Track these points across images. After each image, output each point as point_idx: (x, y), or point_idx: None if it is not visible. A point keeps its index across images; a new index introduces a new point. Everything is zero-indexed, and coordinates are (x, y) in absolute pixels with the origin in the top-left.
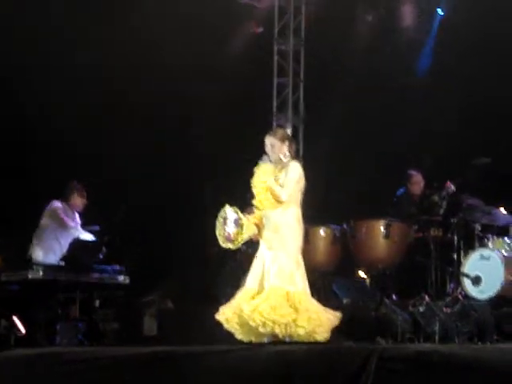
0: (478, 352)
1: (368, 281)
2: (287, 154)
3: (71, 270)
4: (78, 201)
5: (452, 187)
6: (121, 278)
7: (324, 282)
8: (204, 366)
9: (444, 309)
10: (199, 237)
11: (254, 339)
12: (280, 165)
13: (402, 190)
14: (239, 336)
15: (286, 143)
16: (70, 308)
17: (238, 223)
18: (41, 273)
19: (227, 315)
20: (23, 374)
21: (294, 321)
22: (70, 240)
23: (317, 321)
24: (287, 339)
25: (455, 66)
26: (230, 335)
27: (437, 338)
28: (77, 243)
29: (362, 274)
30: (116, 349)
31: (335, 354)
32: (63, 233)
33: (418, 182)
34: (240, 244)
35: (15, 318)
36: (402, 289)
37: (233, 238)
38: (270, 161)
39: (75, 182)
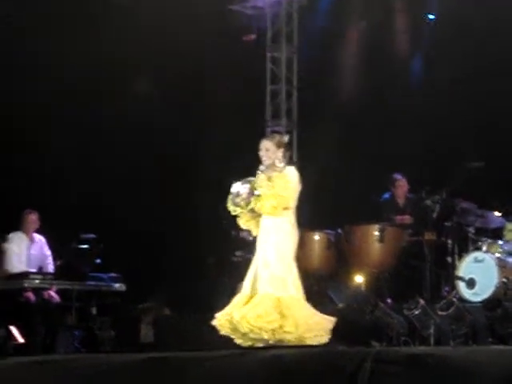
0: (471, 354)
1: (363, 285)
2: (282, 159)
3: (67, 278)
4: (26, 226)
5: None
6: (117, 285)
7: (319, 287)
8: (199, 371)
9: (439, 312)
10: (197, 245)
11: (251, 344)
12: (272, 170)
13: (386, 195)
14: (238, 341)
15: (282, 149)
16: (66, 316)
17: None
18: (37, 281)
19: (220, 321)
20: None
21: (281, 327)
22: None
23: (304, 326)
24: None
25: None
26: (228, 341)
27: (432, 340)
28: (72, 251)
29: (357, 278)
30: (112, 356)
31: (330, 357)
32: None
33: (401, 185)
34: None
35: (12, 328)
36: (397, 293)
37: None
38: (263, 166)
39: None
